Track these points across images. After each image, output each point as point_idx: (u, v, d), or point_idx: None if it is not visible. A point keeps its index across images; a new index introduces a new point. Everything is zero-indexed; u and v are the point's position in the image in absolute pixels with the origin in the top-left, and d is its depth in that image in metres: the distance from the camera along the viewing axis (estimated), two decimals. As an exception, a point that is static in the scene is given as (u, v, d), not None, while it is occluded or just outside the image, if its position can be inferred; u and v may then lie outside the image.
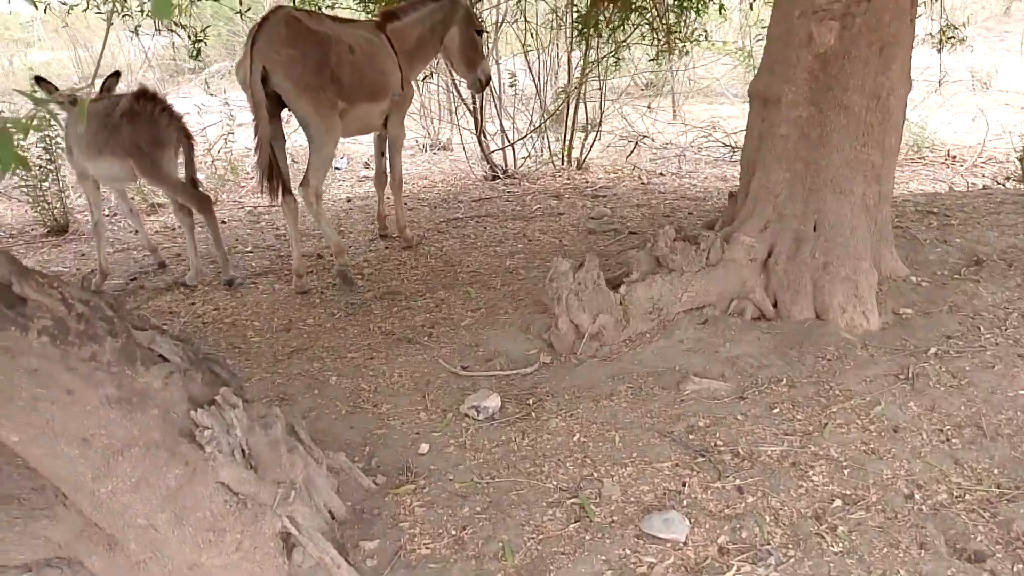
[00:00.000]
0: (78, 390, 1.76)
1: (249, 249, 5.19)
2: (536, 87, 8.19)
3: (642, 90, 11.57)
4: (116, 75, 4.49)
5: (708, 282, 3.28)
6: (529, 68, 8.07)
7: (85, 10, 5.14)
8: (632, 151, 8.62)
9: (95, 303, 1.83)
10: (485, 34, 5.41)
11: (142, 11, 5.36)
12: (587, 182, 7.05)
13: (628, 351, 3.15)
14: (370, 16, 5.89)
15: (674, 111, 11.14)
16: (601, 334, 3.18)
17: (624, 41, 6.97)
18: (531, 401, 2.88)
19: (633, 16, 6.60)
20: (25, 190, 6.02)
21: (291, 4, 6.18)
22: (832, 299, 3.20)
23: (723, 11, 6.38)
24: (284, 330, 3.81)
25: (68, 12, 5.22)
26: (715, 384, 2.79)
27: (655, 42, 6.74)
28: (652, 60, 7.10)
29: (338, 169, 8.55)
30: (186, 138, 4.28)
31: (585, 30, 6.47)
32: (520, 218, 5.64)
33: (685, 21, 6.68)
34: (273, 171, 4.01)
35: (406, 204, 6.27)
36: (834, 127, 3.26)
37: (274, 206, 6.68)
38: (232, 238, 5.54)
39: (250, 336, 3.76)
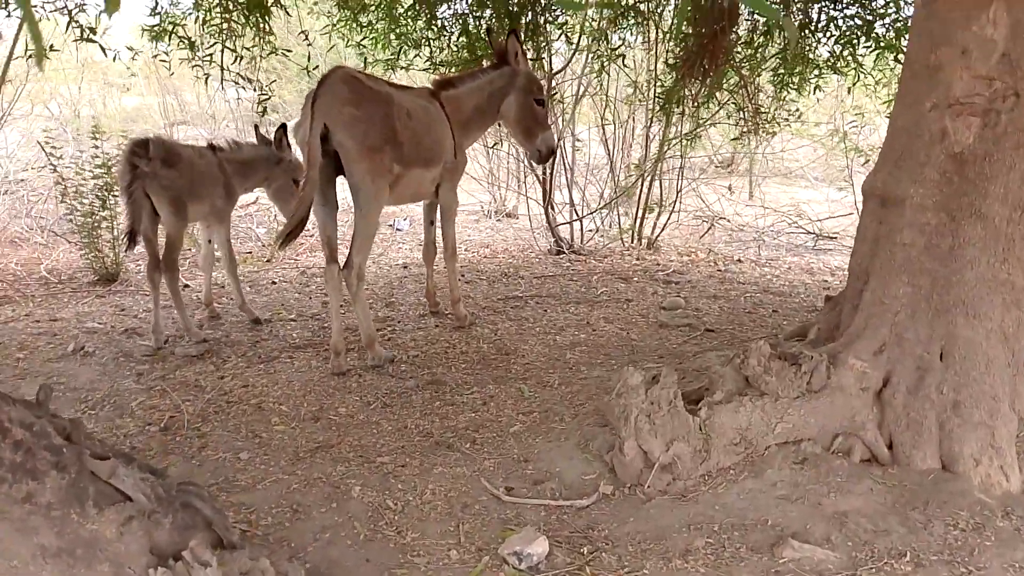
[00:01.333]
0: (4, 539, 1.35)
1: (292, 317, 4.85)
2: (610, 160, 7.84)
3: (717, 167, 11.13)
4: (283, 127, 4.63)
5: (809, 412, 2.74)
6: (605, 141, 7.73)
7: (155, 56, 5.03)
8: (706, 232, 8.13)
9: (40, 428, 1.44)
10: (547, 104, 5.05)
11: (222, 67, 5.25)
12: (658, 264, 6.56)
13: (708, 490, 2.62)
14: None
15: (751, 191, 10.65)
16: (675, 465, 2.66)
17: (708, 119, 6.56)
18: (585, 549, 2.36)
19: (720, 93, 6.20)
20: (80, 237, 5.88)
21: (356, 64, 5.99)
22: (963, 447, 2.61)
23: (818, 90, 5.91)
24: (312, 419, 3.40)
25: (155, 58, 5.15)
26: (820, 553, 2.23)
27: (741, 122, 6.31)
28: (734, 140, 6.66)
29: (399, 231, 8.30)
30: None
31: (667, 105, 6.09)
32: (584, 302, 5.18)
33: (778, 102, 6.24)
34: (298, 230, 3.73)
35: (463, 277, 5.90)
36: (968, 239, 2.73)
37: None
38: (277, 302, 5.23)
39: (274, 424, 3.36)
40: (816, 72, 5.86)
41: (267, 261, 6.70)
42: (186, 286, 5.73)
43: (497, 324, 4.70)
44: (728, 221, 9.16)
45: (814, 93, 5.92)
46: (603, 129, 7.68)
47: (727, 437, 2.70)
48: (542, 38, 6.12)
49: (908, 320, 2.79)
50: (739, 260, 6.94)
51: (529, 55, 5.77)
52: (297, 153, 4.43)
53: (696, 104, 6.11)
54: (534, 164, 6.17)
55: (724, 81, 6.07)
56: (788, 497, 2.55)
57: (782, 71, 6.04)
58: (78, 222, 5.84)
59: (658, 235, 7.35)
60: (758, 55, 6.05)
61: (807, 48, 5.85)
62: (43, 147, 6.18)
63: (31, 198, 8.16)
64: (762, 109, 6.27)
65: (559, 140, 7.10)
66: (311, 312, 4.97)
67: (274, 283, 5.84)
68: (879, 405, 2.77)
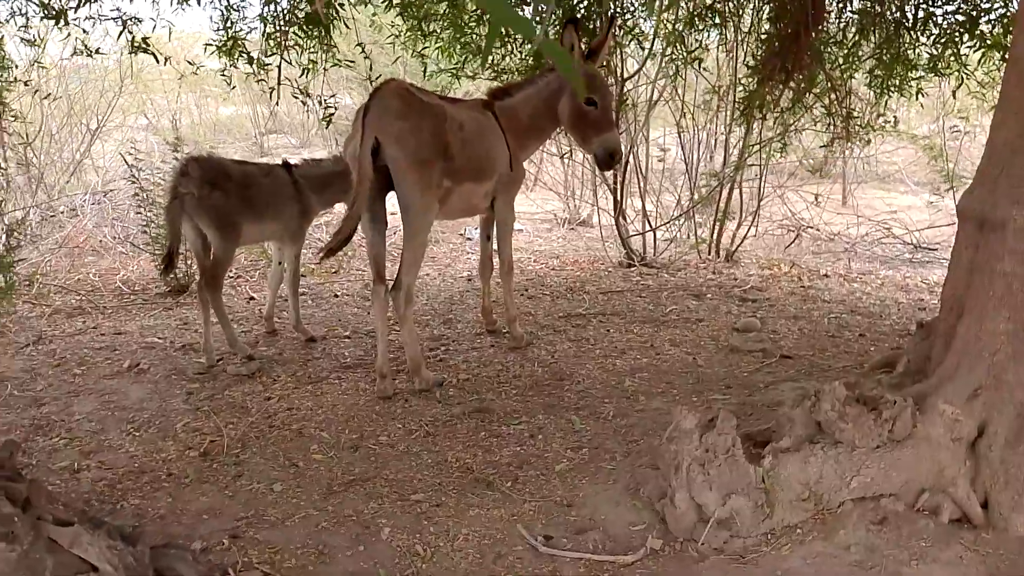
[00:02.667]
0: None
1: (347, 334, 4.75)
2: (687, 167, 7.48)
3: (808, 172, 10.54)
4: None
5: (890, 464, 2.40)
6: (682, 146, 7.38)
7: (222, 72, 5.04)
8: (792, 242, 7.66)
9: (-14, 492, 1.30)
10: (609, 105, 4.60)
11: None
12: (735, 279, 6.18)
13: (770, 551, 2.32)
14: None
15: (844, 198, 10.02)
16: (733, 521, 2.37)
17: (793, 125, 6.13)
18: (626, 617, 2.11)
19: (808, 97, 5.78)
20: (154, 248, 5.99)
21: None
22: (1078, 513, 2.22)
23: (921, 95, 5.41)
24: (352, 448, 3.25)
25: (222, 73, 5.18)
26: (898, 641, 1.91)
27: (831, 127, 5.86)
28: (824, 147, 6.20)
29: (470, 240, 8.17)
30: None
31: (748, 111, 5.71)
32: (650, 321, 4.88)
33: (875, 106, 5.76)
34: (343, 246, 3.64)
35: (525, 291, 5.69)
36: (1085, 267, 2.33)
37: (390, 279, 6.34)
38: (335, 317, 5.15)
39: (313, 452, 3.23)
40: (917, 74, 5.37)
41: (334, 272, 6.67)
42: (251, 299, 5.75)
43: (555, 345, 4.47)
44: (817, 230, 8.63)
45: (917, 97, 5.41)
46: (679, 135, 7.34)
47: (794, 491, 2.39)
48: (613, 42, 5.85)
49: (1008, 361, 2.42)
50: (825, 275, 6.47)
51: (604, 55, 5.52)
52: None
53: (781, 109, 5.71)
54: (599, 170, 5.89)
55: (815, 83, 5.65)
56: (863, 564, 2.23)
57: (878, 72, 5.57)
58: (152, 233, 5.95)
59: (737, 247, 6.95)
60: (851, 55, 5.61)
61: (904, 47, 5.37)
62: (124, 159, 6.33)
63: (118, 209, 8.44)
64: (855, 114, 5.80)
65: (631, 147, 6.81)
66: (366, 329, 4.85)
67: (336, 296, 5.78)
68: (973, 458, 2.40)
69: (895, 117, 5.95)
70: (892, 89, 5.52)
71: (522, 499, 2.77)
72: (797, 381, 3.62)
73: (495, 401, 3.67)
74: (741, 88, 6.12)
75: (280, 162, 4.44)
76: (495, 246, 4.52)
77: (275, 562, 2.49)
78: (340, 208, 6.01)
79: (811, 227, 8.29)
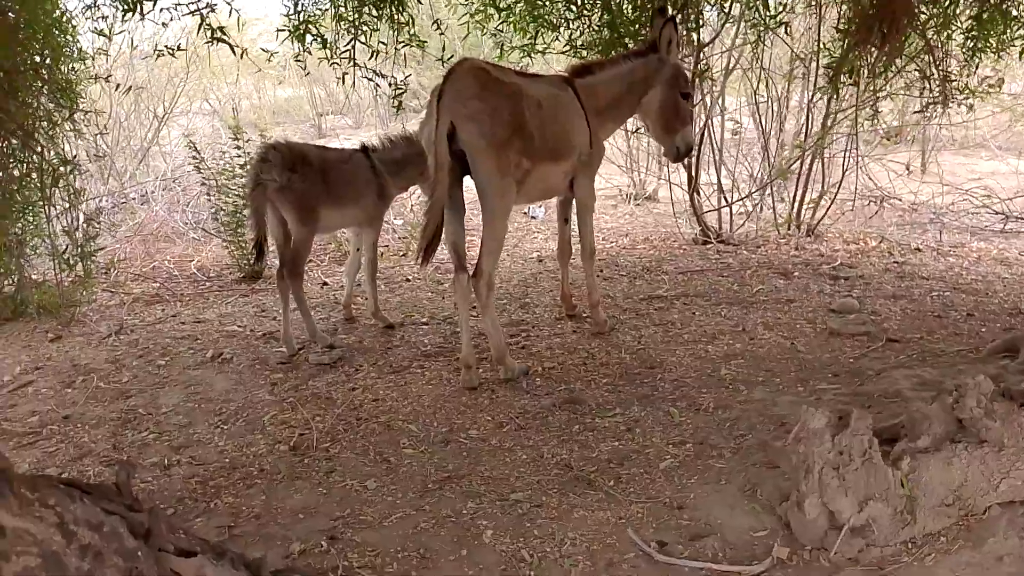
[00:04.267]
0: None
1: (424, 320, 4.65)
2: (763, 139, 7.14)
3: (883, 139, 10.01)
4: None
5: (1045, 468, 2.17)
6: (759, 117, 7.04)
7: (296, 57, 4.96)
8: (875, 214, 7.26)
9: (111, 527, 1.21)
10: (691, 99, 4.59)
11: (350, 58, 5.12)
12: (821, 255, 5.88)
13: (911, 562, 2.13)
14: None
15: (923, 164, 9.50)
16: (868, 528, 2.18)
17: (882, 89, 5.76)
18: (760, 635, 1.95)
19: (899, 60, 5.41)
20: (225, 234, 5.99)
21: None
22: None
23: (1024, 55, 5.00)
24: (443, 442, 3.15)
25: (296, 59, 5.08)
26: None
27: (926, 92, 5.48)
28: (919, 112, 5.82)
29: (534, 219, 8.00)
30: None
31: (836, 77, 5.37)
32: (738, 303, 4.66)
33: (970, 68, 5.36)
34: (435, 241, 3.48)
35: (600, 272, 5.51)
36: None
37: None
38: (410, 302, 5.06)
39: (403, 447, 3.14)
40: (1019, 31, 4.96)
41: (402, 255, 6.59)
42: (324, 284, 5.71)
43: (640, 330, 4.29)
44: (900, 201, 8.19)
45: (1021, 58, 5.00)
46: (756, 105, 6.99)
47: (936, 496, 2.19)
48: (690, 8, 5.57)
49: None
50: (917, 248, 6.11)
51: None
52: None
53: (873, 74, 5.36)
54: (670, 161, 5.71)
55: (906, 46, 5.28)
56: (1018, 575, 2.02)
57: (974, 32, 5.17)
58: (223, 220, 5.95)
59: (820, 220, 6.62)
60: (948, 14, 5.22)
61: (1007, 3, 4.96)
62: (193, 145, 6.33)
63: (188, 194, 8.52)
64: (952, 76, 5.42)
65: (708, 118, 6.53)
66: (443, 315, 4.75)
67: (408, 280, 5.69)
68: None
69: (1000, 78, 5.52)
70: (989, 48, 5.13)
71: (627, 500, 2.63)
72: (911, 368, 3.37)
73: (585, 391, 3.53)
74: (826, 54, 5.77)
75: (359, 146, 4.33)
76: (574, 228, 4.37)
77: (376, 566, 2.40)
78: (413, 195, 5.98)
79: (894, 197, 7.88)
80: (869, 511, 2.17)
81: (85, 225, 5.35)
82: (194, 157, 5.94)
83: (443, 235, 3.62)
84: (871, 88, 5.67)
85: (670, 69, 4.13)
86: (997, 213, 7.54)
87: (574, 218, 4.31)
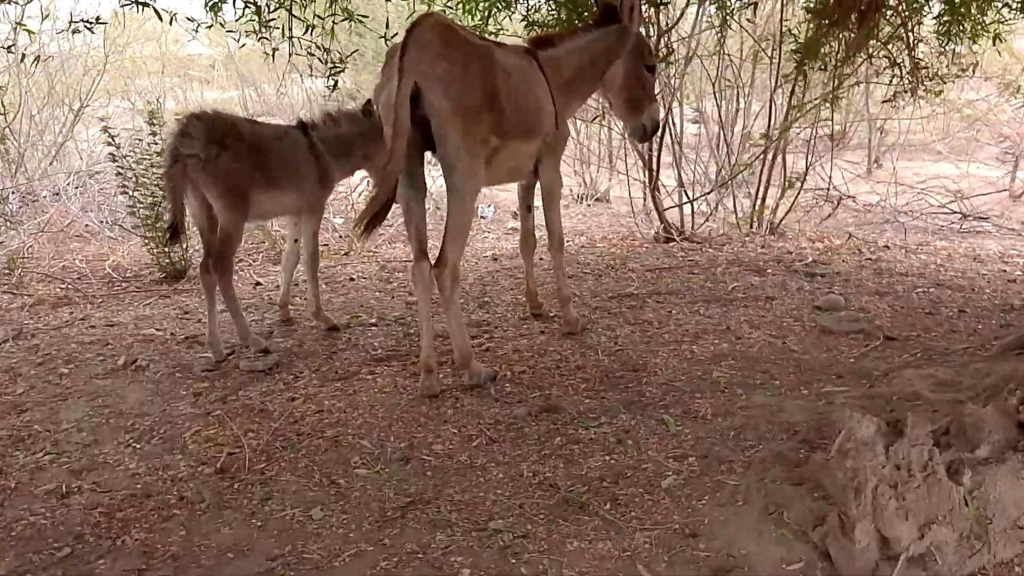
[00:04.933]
0: None
1: (373, 321, 4.15)
2: (722, 133, 6.88)
3: (829, 138, 9.95)
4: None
5: None
6: (719, 110, 6.78)
7: (213, 25, 4.40)
8: (831, 214, 7.09)
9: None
10: (659, 71, 4.30)
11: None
12: (789, 252, 5.62)
13: (984, 598, 1.76)
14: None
15: (869, 166, 9.47)
16: (931, 557, 1.81)
17: (849, 76, 5.53)
18: None
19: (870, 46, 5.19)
20: (144, 231, 5.36)
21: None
22: None
23: (999, 40, 4.82)
24: (401, 460, 2.67)
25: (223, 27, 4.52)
26: None
27: (896, 79, 5.27)
28: (887, 102, 5.61)
29: (483, 218, 7.57)
30: None
31: (805, 63, 5.11)
32: (715, 301, 4.31)
33: (943, 54, 5.17)
34: (382, 213, 2.97)
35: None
36: None
37: (409, 261, 5.74)
38: (356, 302, 4.55)
39: (354, 465, 2.65)
40: (995, 15, 4.79)
41: (344, 254, 6.07)
42: (257, 283, 5.15)
43: (615, 330, 3.89)
44: (854, 200, 8.08)
45: (995, 43, 4.82)
46: (716, 96, 6.71)
47: (1007, 516, 1.84)
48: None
49: None
50: (886, 246, 5.92)
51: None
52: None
53: (842, 59, 5.12)
54: (635, 141, 5.37)
55: (876, 31, 5.06)
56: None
57: (947, 17, 4.99)
58: (141, 215, 5.32)
59: (783, 218, 6.39)
60: (917, -4, 5.02)
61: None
62: (108, 133, 5.68)
63: (105, 191, 7.80)
64: (923, 63, 5.22)
65: (668, 109, 6.23)
66: (393, 315, 4.26)
67: (352, 279, 5.18)
68: None
69: (975, 62, 5.34)
70: (962, 33, 4.96)
71: (629, 526, 2.20)
72: (921, 367, 3.06)
73: (563, 398, 3.10)
74: (791, 39, 5.53)
75: (295, 122, 3.82)
76: (535, 218, 3.99)
77: (326, 620, 1.92)
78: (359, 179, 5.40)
79: (849, 196, 7.76)
80: (932, 536, 1.80)
81: (-21, 218, 4.67)
82: (109, 143, 5.30)
83: (406, 218, 3.20)
84: (838, 75, 5.43)
85: (633, 39, 3.78)
86: (955, 212, 7.50)
87: (537, 205, 3.92)
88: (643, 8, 4.33)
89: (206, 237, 3.56)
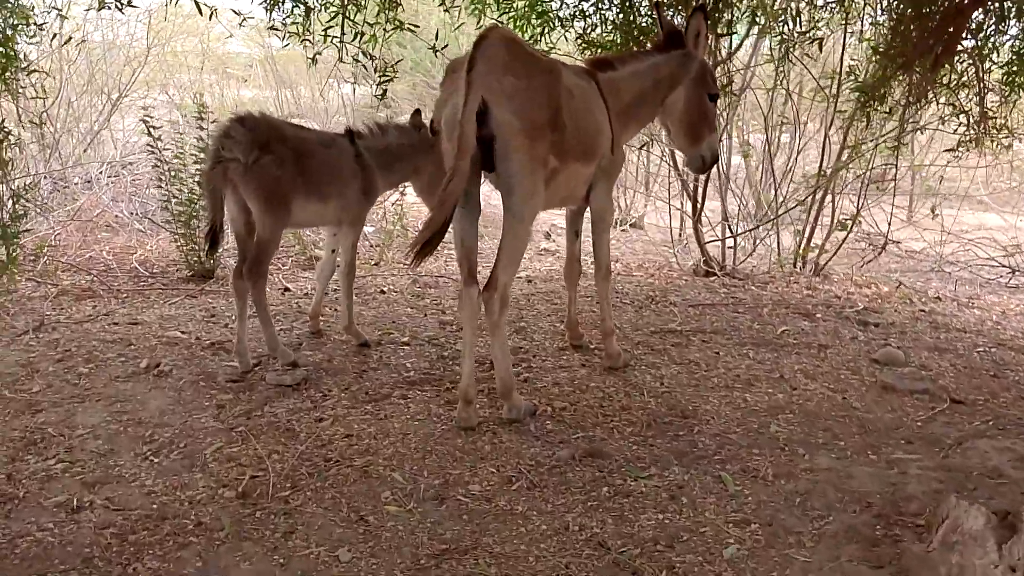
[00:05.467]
0: None
1: (405, 340, 3.97)
2: (771, 169, 6.68)
3: (871, 184, 9.71)
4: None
5: None
6: (768, 146, 6.58)
7: (270, 27, 4.29)
8: (874, 257, 6.84)
9: None
10: (720, 101, 4.14)
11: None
12: (837, 297, 5.38)
13: None
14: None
15: (910, 213, 9.21)
16: (1044, 676, 1.58)
17: (915, 122, 5.32)
18: None
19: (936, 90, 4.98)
20: (176, 226, 5.23)
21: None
22: None
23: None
24: (436, 500, 2.48)
25: (270, 29, 4.40)
26: None
27: (963, 128, 5.05)
28: (949, 151, 5.39)
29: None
30: None
31: (870, 104, 4.91)
32: (765, 344, 4.09)
33: (1007, 105, 4.95)
34: (437, 238, 2.78)
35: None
36: None
37: (440, 276, 5.58)
38: (387, 318, 4.37)
39: (385, 501, 2.46)
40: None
41: (375, 264, 5.91)
42: (286, 290, 4.99)
43: (660, 369, 3.68)
44: (898, 246, 7.85)
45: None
46: (766, 132, 6.52)
47: None
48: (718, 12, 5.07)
49: None
50: (937, 297, 5.67)
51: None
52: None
53: (909, 103, 4.91)
54: (692, 172, 5.18)
55: (943, 75, 4.85)
56: None
57: (1015, 67, 4.78)
58: (175, 211, 5.20)
59: (828, 260, 6.17)
60: (990, 42, 4.81)
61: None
62: (146, 124, 5.57)
63: (138, 183, 7.72)
64: (990, 113, 5.01)
65: (719, 140, 6.06)
66: (426, 335, 4.08)
67: (383, 292, 5.02)
68: None
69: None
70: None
71: (690, 600, 1.99)
72: (996, 439, 2.84)
73: (608, 442, 2.89)
74: (853, 78, 5.32)
75: (343, 130, 3.66)
76: (581, 245, 3.85)
77: None
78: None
79: (895, 242, 7.51)
80: (1050, 652, 1.57)
81: (11, 201, 4.53)
82: (149, 134, 5.18)
83: (456, 239, 3.02)
84: (902, 118, 5.22)
85: (697, 66, 3.64)
86: (1004, 267, 7.23)
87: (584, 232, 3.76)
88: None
89: (242, 242, 3.40)
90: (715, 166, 4.55)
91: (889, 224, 6.54)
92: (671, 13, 4.83)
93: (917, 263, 7.44)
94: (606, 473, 2.65)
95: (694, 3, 4.05)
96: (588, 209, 3.64)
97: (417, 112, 3.80)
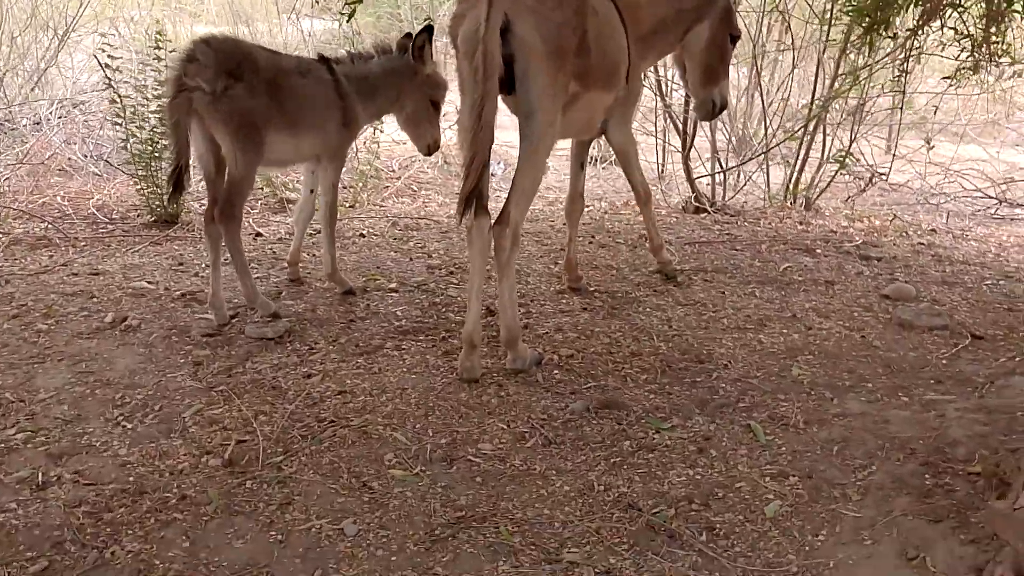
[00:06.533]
0: None
1: (393, 286, 3.71)
2: (762, 102, 6.42)
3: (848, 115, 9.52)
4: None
5: None
6: (758, 74, 6.30)
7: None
8: (862, 190, 6.69)
9: None
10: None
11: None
12: (833, 232, 5.22)
13: None
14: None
15: (888, 145, 9.05)
16: None
17: (914, 46, 5.08)
18: None
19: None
20: (136, 168, 4.83)
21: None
22: None
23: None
24: (444, 461, 2.27)
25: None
26: None
27: (964, 53, 4.82)
28: (947, 79, 5.17)
29: (493, 176, 7.08)
30: None
31: (874, 28, 4.64)
32: (769, 282, 3.91)
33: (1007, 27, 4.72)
34: (482, 182, 2.64)
35: (592, 238, 4.71)
36: None
37: (421, 218, 5.29)
38: (371, 263, 4.09)
39: (389, 464, 2.24)
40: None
41: (350, 207, 5.59)
42: (258, 235, 4.66)
43: (666, 311, 3.48)
44: (885, 179, 7.68)
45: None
46: (756, 60, 6.23)
47: None
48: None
49: None
50: (933, 230, 5.54)
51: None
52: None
53: (916, 26, 4.66)
54: (698, 118, 4.97)
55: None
56: None
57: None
58: (134, 151, 4.79)
59: (820, 194, 5.99)
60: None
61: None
62: (98, 59, 5.10)
63: (90, 123, 7.21)
64: (992, 37, 4.78)
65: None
66: (415, 280, 3.82)
67: (363, 235, 4.71)
68: None
69: None
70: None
71: (735, 565, 1.82)
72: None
73: (622, 391, 2.69)
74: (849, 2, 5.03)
75: (318, 57, 3.31)
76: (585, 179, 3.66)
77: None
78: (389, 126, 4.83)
79: (881, 175, 7.35)
80: None
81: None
82: (104, 68, 4.74)
83: None
84: (906, 46, 4.98)
85: (722, 4, 3.47)
86: (991, 198, 7.12)
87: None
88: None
89: (212, 182, 3.08)
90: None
91: (872, 156, 6.37)
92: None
93: (902, 196, 7.30)
94: (625, 425, 2.46)
95: None
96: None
97: (409, 35, 3.44)
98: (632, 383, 2.76)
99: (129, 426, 2.43)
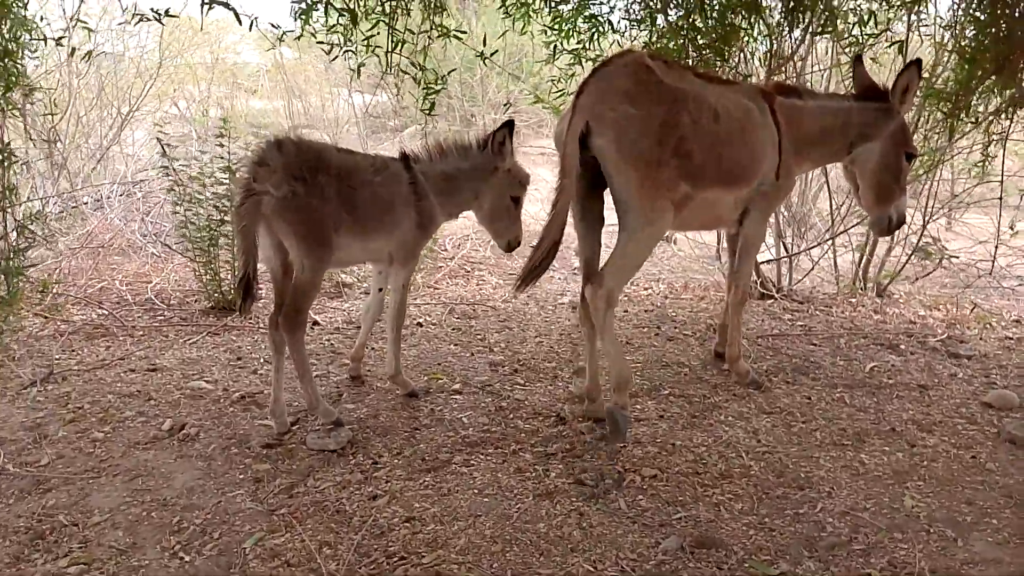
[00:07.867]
0: None
1: (456, 387, 3.54)
2: (827, 181, 6.23)
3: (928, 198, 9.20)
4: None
5: None
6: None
7: (298, 37, 3.86)
8: (930, 272, 6.39)
9: None
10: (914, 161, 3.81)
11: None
12: (912, 323, 4.94)
13: None
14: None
15: (949, 221, 8.72)
16: None
17: (1002, 133, 4.86)
18: None
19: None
20: (193, 254, 4.80)
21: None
22: None
23: None
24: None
25: (299, 39, 4.00)
26: None
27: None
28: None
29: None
30: None
31: (955, 112, 4.45)
32: (857, 386, 3.65)
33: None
34: (547, 262, 2.88)
35: (658, 329, 4.50)
36: None
37: (478, 303, 5.14)
38: (431, 358, 3.93)
39: (468, 617, 2.03)
40: None
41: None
42: (315, 323, 4.56)
43: (750, 419, 3.24)
44: (955, 259, 7.36)
45: None
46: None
47: None
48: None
49: None
50: (1017, 320, 5.21)
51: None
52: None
53: (1000, 110, 4.47)
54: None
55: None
56: None
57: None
58: (192, 236, 4.77)
59: (892, 279, 5.73)
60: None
61: None
62: (159, 142, 5.15)
63: (149, 201, 7.33)
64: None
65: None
66: (478, 380, 3.65)
67: (420, 325, 4.58)
68: None
69: None
70: None
71: None
72: None
73: (718, 525, 2.45)
74: (930, 87, 4.87)
75: (398, 154, 3.21)
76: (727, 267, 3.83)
77: None
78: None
79: (952, 256, 7.04)
80: None
81: (15, 232, 4.11)
82: (164, 154, 4.78)
83: (580, 256, 3.17)
84: (989, 131, 4.77)
85: (897, 124, 3.48)
86: (1063, 280, 6.77)
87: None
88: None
89: (278, 286, 2.98)
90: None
91: (924, 230, 6.09)
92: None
93: (968, 277, 6.97)
94: (727, 570, 2.21)
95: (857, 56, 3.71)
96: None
97: (508, 124, 3.26)
98: (727, 513, 2.52)
99: (187, 558, 2.27)
